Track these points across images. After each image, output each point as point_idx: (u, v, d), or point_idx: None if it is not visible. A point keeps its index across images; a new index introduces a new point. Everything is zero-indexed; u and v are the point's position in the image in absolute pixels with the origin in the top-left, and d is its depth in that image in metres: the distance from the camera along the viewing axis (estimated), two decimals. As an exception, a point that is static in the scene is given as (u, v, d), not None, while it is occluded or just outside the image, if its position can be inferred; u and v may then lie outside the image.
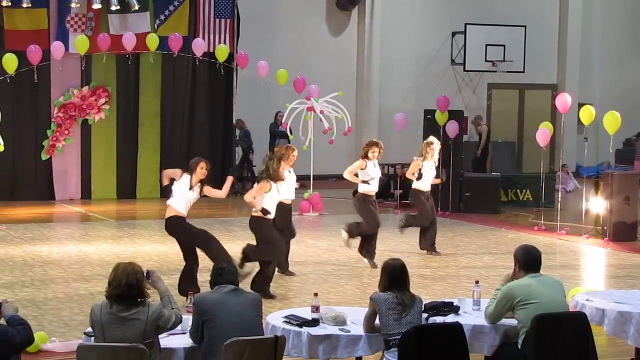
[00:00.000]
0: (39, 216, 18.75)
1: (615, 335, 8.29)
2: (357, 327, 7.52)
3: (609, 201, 16.81)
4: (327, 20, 26.81)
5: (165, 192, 12.20)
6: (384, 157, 26.19)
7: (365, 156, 13.82)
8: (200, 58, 20.95)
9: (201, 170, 11.44)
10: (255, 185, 11.75)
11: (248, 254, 11.87)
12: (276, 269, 12.09)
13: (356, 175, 13.82)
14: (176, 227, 11.48)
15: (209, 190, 11.56)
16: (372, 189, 13.89)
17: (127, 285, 6.54)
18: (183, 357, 6.98)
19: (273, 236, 11.64)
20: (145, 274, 6.90)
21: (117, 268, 6.66)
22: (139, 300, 6.59)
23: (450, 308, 7.92)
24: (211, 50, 21.49)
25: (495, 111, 28.42)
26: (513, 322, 7.51)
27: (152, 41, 20.17)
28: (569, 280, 12.75)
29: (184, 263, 14.18)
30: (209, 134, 22.65)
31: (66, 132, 21.08)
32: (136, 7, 20.71)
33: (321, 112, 19.75)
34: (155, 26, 21.44)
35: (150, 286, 6.98)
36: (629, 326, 8.10)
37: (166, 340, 6.99)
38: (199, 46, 20.67)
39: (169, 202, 11.53)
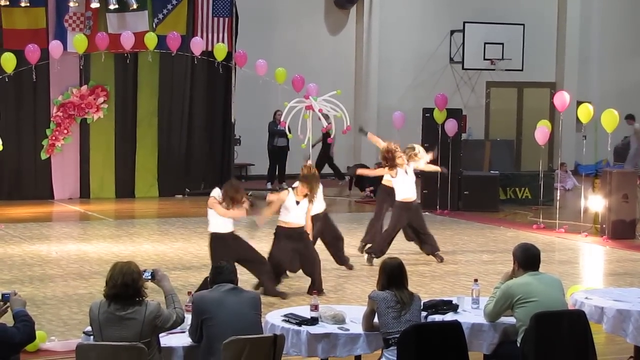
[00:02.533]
0: (38, 215, 18.74)
1: (614, 333, 8.30)
2: (356, 326, 7.52)
3: (607, 199, 16.81)
4: (326, 18, 26.81)
5: None
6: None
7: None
8: (199, 57, 20.92)
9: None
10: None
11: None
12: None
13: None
14: None
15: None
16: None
17: (123, 285, 6.55)
18: (182, 356, 6.98)
19: (272, 251, 11.75)
20: (150, 273, 6.91)
21: (114, 267, 6.67)
22: (136, 299, 6.59)
23: (449, 306, 7.93)
24: (209, 49, 21.47)
25: (493, 109, 28.44)
26: (512, 320, 7.51)
27: (151, 40, 20.14)
28: (568, 278, 12.75)
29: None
30: (207, 133, 22.63)
31: (65, 131, 21.06)
32: (134, 6, 20.69)
33: (320, 110, 19.73)
34: (154, 25, 21.42)
35: (156, 285, 7.01)
36: (627, 324, 8.11)
37: (165, 339, 6.99)
38: (198, 45, 20.66)
39: None
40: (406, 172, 13.76)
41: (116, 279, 6.56)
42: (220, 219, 11.21)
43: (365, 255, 13.95)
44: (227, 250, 11.00)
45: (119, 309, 6.55)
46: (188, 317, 7.17)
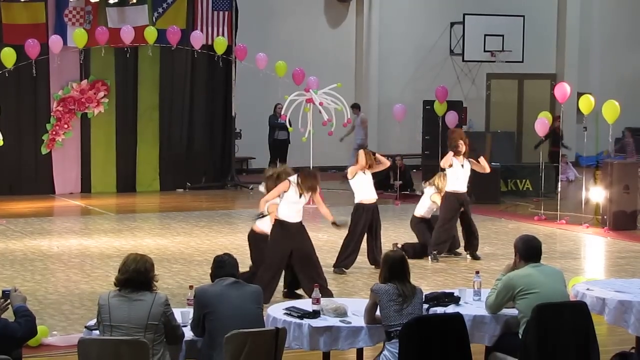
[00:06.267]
0: (39, 210, 18.74)
1: (615, 324, 8.29)
2: (358, 319, 7.52)
3: (608, 190, 16.80)
4: (326, 12, 26.79)
5: None
6: (382, 147, 26.18)
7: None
8: (199, 51, 20.92)
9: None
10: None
11: None
12: None
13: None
14: None
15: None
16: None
17: (135, 271, 6.67)
18: (184, 349, 6.99)
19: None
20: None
21: (127, 256, 6.81)
22: (146, 288, 6.70)
23: (450, 299, 7.92)
24: (210, 42, 21.46)
25: (494, 101, 28.42)
26: (514, 312, 7.51)
27: (151, 34, 20.15)
28: (570, 269, 12.76)
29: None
30: (208, 126, 22.64)
31: (66, 126, 21.06)
32: (134, 0, 20.69)
33: (320, 103, 19.73)
34: (154, 19, 21.41)
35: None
36: (629, 315, 8.09)
37: (168, 333, 7.01)
38: (198, 39, 20.65)
39: None
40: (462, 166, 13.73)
41: (129, 265, 6.70)
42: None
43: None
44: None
45: (129, 293, 6.67)
46: (189, 311, 7.20)
